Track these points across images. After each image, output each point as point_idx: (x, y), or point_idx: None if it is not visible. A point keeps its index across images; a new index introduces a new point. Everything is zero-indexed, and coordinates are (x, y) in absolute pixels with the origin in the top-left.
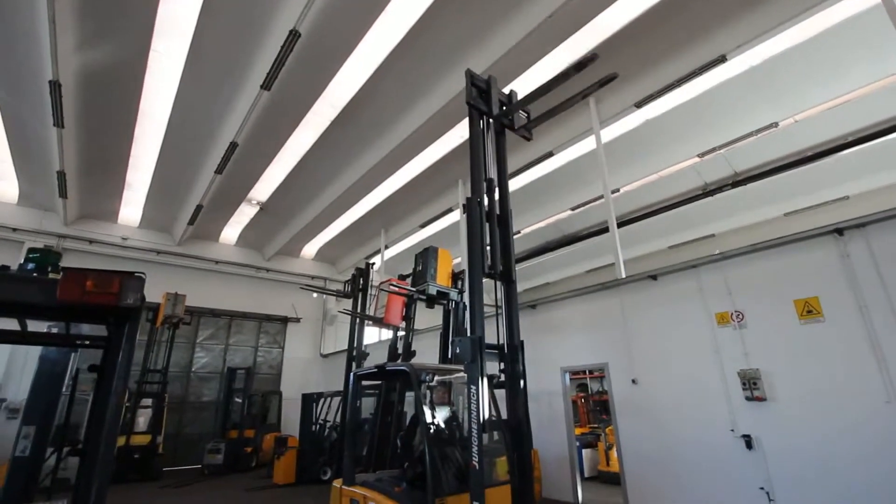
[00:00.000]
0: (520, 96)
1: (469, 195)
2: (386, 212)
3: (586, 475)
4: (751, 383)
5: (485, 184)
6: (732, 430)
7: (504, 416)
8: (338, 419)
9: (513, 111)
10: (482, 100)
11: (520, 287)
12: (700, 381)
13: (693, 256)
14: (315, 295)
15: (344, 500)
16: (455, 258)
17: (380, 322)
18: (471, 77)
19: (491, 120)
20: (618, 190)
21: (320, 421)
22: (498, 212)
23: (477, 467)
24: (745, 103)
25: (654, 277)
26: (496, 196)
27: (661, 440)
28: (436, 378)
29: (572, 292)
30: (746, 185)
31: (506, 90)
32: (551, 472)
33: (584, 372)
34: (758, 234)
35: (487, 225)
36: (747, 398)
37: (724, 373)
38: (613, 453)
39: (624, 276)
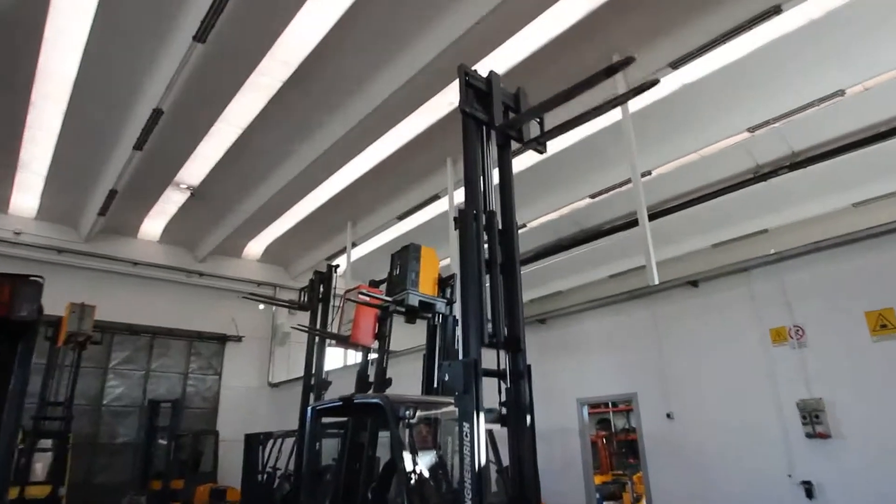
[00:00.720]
0: (518, 60)
1: (463, 206)
2: (354, 200)
3: None
4: (812, 416)
5: (484, 217)
6: (790, 476)
7: (505, 461)
8: (291, 466)
9: (522, 121)
10: (481, 106)
11: (525, 296)
12: (751, 414)
13: (742, 257)
14: (262, 306)
15: None
16: (443, 259)
17: (346, 341)
18: (465, 75)
19: (493, 131)
20: (649, 173)
21: (269, 468)
22: (501, 256)
23: None
24: (805, 66)
25: (694, 284)
26: (498, 222)
27: (701, 490)
28: (418, 413)
29: (592, 303)
30: (807, 168)
31: (504, 51)
32: None
33: (607, 405)
34: (821, 230)
35: (488, 277)
36: (808, 435)
37: (781, 403)
38: None
39: (657, 282)
